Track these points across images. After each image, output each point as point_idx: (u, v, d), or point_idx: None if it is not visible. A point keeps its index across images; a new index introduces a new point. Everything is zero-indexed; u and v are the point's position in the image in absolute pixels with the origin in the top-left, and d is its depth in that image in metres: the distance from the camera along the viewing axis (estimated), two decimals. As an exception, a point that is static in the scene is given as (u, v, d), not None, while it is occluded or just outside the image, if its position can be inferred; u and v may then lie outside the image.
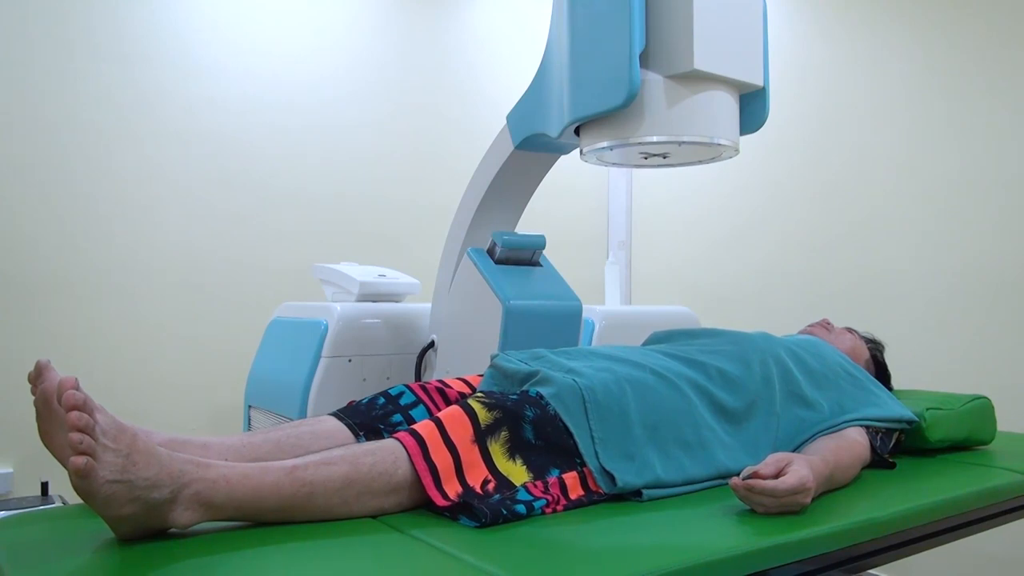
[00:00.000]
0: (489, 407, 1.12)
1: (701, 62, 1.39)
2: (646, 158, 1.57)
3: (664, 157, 1.56)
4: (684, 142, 1.45)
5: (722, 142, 1.47)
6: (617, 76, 1.39)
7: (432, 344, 1.93)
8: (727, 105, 1.48)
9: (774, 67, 2.97)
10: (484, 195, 1.83)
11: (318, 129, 2.93)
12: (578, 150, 1.61)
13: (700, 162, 1.62)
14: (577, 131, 1.57)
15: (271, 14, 2.85)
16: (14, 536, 0.98)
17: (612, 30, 1.40)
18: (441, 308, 1.91)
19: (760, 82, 1.51)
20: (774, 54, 2.98)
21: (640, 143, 1.46)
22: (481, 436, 1.09)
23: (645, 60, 1.42)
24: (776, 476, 1.07)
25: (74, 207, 2.47)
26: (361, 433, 1.22)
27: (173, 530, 0.93)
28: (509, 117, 1.74)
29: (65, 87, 2.46)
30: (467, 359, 1.77)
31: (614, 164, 1.65)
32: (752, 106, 1.56)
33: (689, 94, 1.42)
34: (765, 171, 3.06)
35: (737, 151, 1.53)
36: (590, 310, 2.32)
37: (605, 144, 1.49)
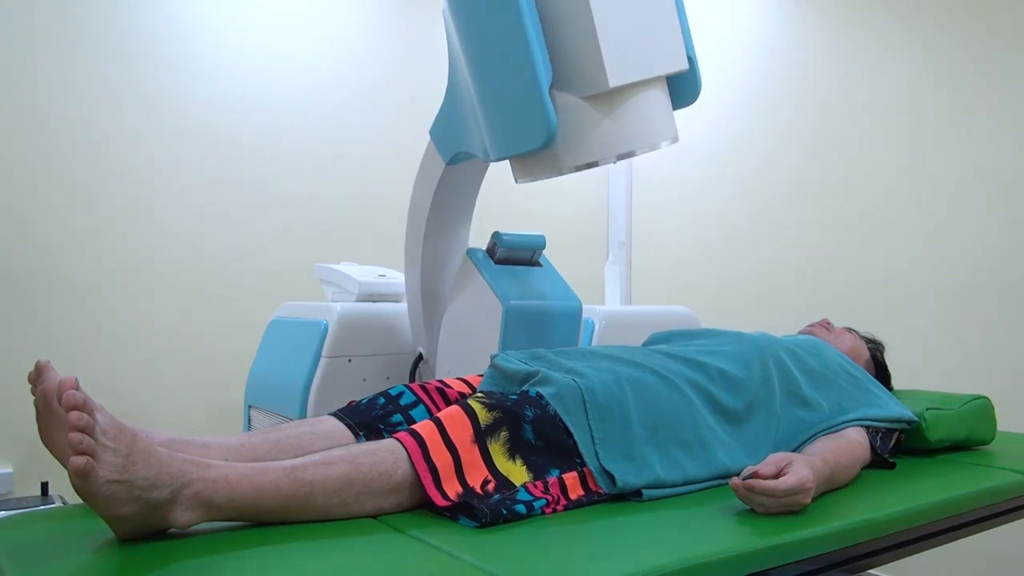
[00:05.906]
0: (489, 407, 1.12)
1: (616, 78, 1.30)
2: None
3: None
4: (619, 156, 1.37)
5: (658, 143, 1.39)
6: (531, 117, 1.30)
7: (420, 357, 1.89)
8: (655, 102, 1.38)
9: (774, 67, 2.99)
10: (430, 211, 1.75)
11: (319, 129, 2.93)
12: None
13: (639, 153, 1.51)
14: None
15: (272, 15, 2.85)
16: (14, 536, 0.98)
17: (514, 63, 1.30)
18: (418, 321, 1.86)
19: (684, 66, 1.40)
20: (775, 54, 2.99)
21: (574, 167, 1.38)
22: (481, 436, 1.09)
23: (557, 82, 1.32)
24: (776, 476, 1.08)
25: (74, 207, 2.47)
26: (361, 433, 1.22)
27: (173, 530, 0.93)
28: (432, 132, 1.65)
29: (65, 87, 2.46)
30: (467, 359, 1.76)
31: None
32: (683, 82, 1.46)
33: (612, 109, 1.34)
34: (765, 172, 3.05)
35: (676, 139, 1.43)
36: (590, 310, 2.31)
37: (534, 178, 1.43)
